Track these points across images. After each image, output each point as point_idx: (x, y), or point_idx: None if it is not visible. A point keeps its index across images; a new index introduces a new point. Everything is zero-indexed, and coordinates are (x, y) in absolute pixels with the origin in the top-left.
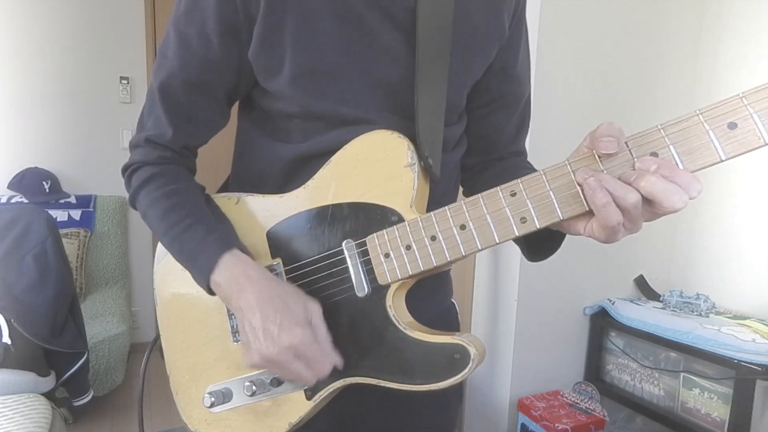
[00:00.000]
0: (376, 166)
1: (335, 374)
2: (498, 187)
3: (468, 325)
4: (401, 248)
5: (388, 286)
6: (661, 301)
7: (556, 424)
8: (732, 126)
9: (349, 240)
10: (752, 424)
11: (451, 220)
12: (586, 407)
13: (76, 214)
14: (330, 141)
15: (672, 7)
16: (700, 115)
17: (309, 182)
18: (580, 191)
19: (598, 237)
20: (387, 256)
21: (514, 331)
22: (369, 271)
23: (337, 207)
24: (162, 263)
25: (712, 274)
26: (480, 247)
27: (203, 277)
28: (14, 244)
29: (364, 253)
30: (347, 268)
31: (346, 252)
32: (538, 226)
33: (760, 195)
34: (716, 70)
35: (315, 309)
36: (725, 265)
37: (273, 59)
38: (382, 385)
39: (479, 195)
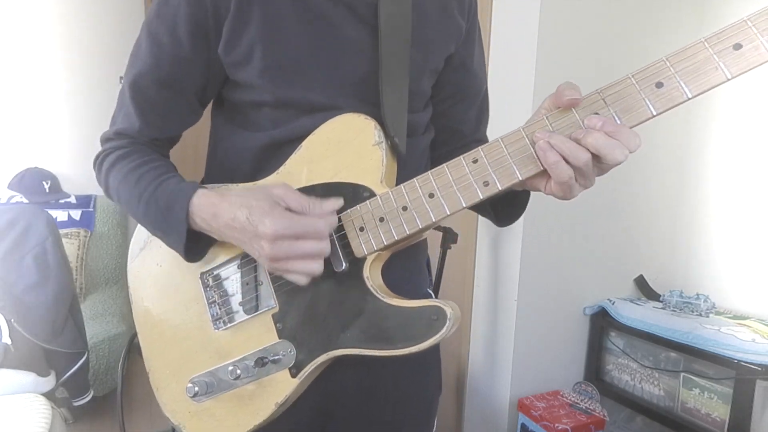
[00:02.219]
0: (345, 147)
1: (318, 349)
2: (461, 156)
3: (468, 325)
4: (375, 221)
5: (364, 259)
6: (661, 301)
7: (556, 424)
8: (659, 85)
9: None
10: (752, 424)
11: (420, 189)
12: (586, 407)
13: (76, 214)
14: (300, 127)
15: (672, 7)
16: (632, 77)
17: (281, 168)
18: (533, 152)
19: (556, 193)
20: (362, 229)
21: (514, 331)
22: (345, 246)
23: (310, 189)
24: (137, 260)
25: (712, 274)
26: (448, 212)
27: (182, 227)
28: (14, 244)
29: (340, 229)
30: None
31: None
32: (500, 188)
33: (760, 195)
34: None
35: (280, 190)
36: (725, 265)
37: (242, 55)
38: (365, 354)
39: (444, 165)
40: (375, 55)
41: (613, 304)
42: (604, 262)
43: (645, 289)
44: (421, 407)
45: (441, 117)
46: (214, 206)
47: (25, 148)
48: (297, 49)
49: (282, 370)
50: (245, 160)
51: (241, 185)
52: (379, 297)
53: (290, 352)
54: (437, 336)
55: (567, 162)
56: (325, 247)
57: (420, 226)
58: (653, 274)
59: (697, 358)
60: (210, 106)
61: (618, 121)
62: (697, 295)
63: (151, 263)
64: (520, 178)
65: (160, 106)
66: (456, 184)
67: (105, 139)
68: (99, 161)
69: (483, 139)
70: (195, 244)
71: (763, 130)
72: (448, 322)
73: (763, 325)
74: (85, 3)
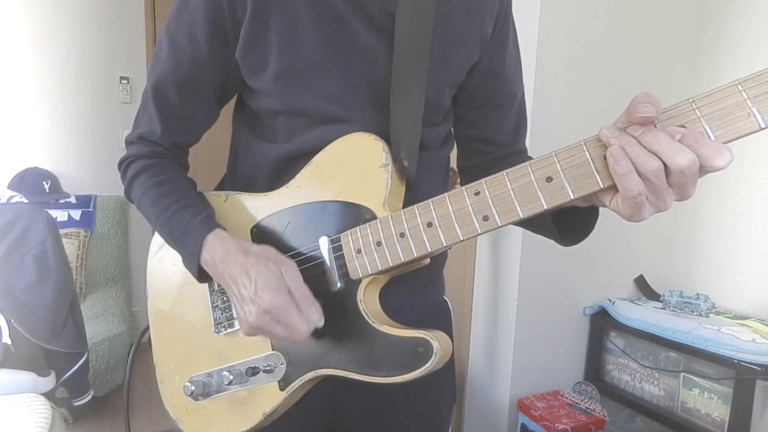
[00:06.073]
0: (353, 166)
1: (307, 365)
2: (463, 187)
3: (468, 325)
4: (372, 244)
5: (359, 281)
6: (661, 301)
7: (556, 424)
8: None
9: (325, 236)
10: (752, 424)
11: (419, 217)
12: (586, 407)
13: (76, 214)
14: (312, 141)
15: (672, 6)
16: (738, 85)
17: (292, 181)
18: (537, 189)
19: (623, 211)
20: (359, 252)
21: (514, 331)
22: (342, 266)
23: (316, 205)
24: (155, 258)
25: (712, 274)
26: (444, 243)
27: (194, 259)
28: (14, 244)
29: (338, 249)
30: (322, 263)
31: (321, 248)
32: (500, 224)
33: (761, 195)
34: (716, 70)
35: (290, 271)
36: (725, 265)
37: (258, 59)
38: (351, 377)
39: (446, 194)
40: (390, 64)
41: (613, 304)
42: (604, 262)
43: (645, 289)
44: (434, 418)
45: (475, 127)
46: (228, 254)
47: (25, 148)
48: (312, 55)
49: (272, 381)
50: (263, 171)
51: (260, 246)
52: (370, 321)
53: (281, 364)
54: (422, 369)
55: (638, 172)
56: (299, 339)
57: (415, 255)
58: (653, 274)
59: (697, 358)
60: (227, 109)
61: (711, 137)
62: (697, 295)
63: (167, 262)
64: (521, 216)
65: (180, 110)
66: (455, 215)
67: (129, 142)
68: (123, 167)
69: (522, 151)
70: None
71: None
72: (433, 356)
73: (763, 325)
74: (86, 3)
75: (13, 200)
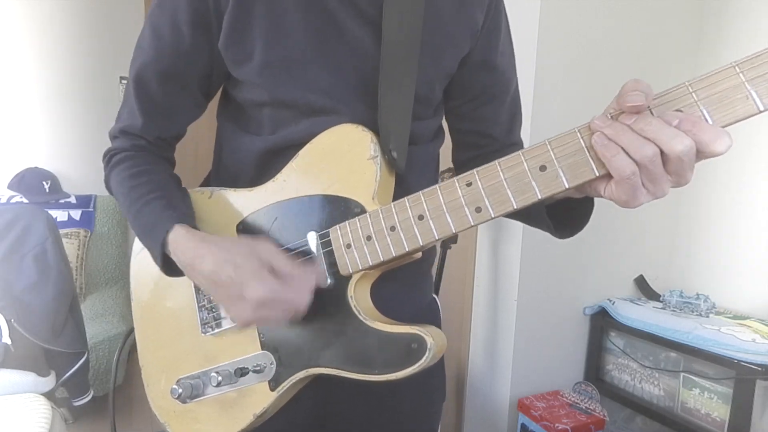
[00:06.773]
0: (340, 159)
1: (298, 365)
2: (455, 177)
3: (468, 325)
4: (362, 239)
5: (350, 277)
6: (661, 301)
7: (556, 424)
8: None
9: (314, 232)
10: (752, 424)
11: (409, 210)
12: (586, 407)
13: (76, 214)
14: (298, 133)
15: (672, 6)
16: (736, 67)
17: (278, 176)
18: (531, 179)
19: (618, 197)
20: (348, 247)
21: (514, 331)
22: (331, 262)
23: (303, 200)
24: (138, 257)
25: (712, 274)
26: (437, 237)
27: (157, 256)
28: (14, 244)
29: (327, 244)
30: (312, 259)
31: (310, 243)
32: (493, 215)
33: (761, 195)
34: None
35: (266, 250)
36: (725, 265)
37: (242, 50)
38: (343, 375)
39: (437, 185)
40: (378, 56)
41: (613, 304)
42: (604, 262)
43: (645, 289)
44: (425, 415)
45: (469, 120)
46: (194, 251)
47: (25, 148)
48: (298, 45)
49: (262, 381)
50: (248, 165)
51: (224, 238)
52: (361, 318)
53: (270, 364)
54: (415, 366)
55: (633, 159)
56: (301, 311)
57: (406, 249)
58: (653, 274)
59: (697, 358)
60: (214, 102)
61: (709, 121)
62: (697, 295)
63: (151, 261)
64: (515, 207)
65: (162, 102)
66: (447, 207)
67: (112, 137)
68: (106, 159)
69: (518, 143)
70: (174, 266)
71: (763, 130)
72: (427, 352)
73: (763, 325)
74: (86, 3)
75: (13, 200)
